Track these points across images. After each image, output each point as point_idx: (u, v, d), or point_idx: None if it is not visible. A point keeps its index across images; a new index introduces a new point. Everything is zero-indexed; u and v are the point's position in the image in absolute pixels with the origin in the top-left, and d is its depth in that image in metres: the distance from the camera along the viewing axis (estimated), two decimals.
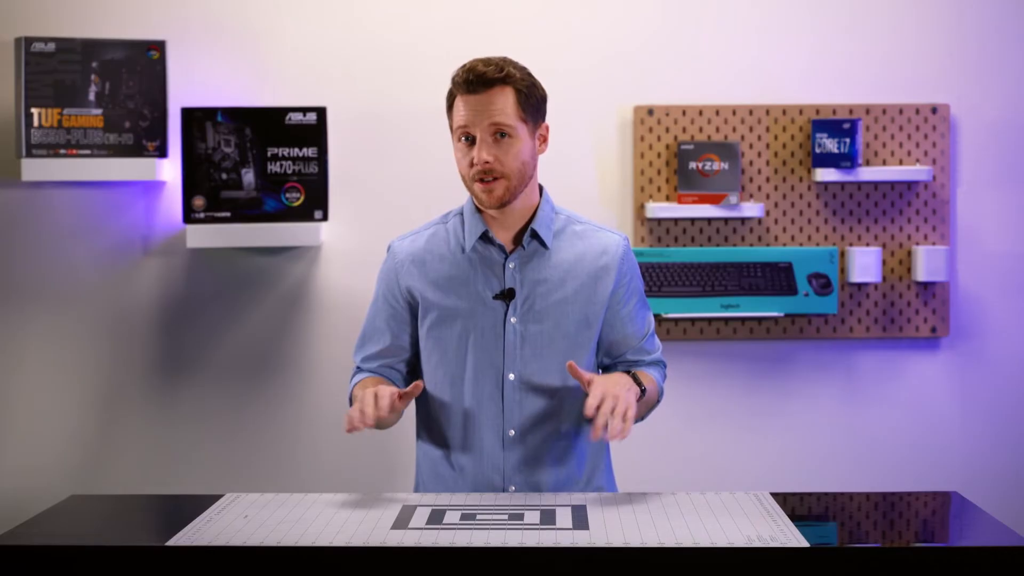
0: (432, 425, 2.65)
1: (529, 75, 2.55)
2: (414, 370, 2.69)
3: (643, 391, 2.54)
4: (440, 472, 2.64)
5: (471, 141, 2.51)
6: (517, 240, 2.60)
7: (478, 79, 2.49)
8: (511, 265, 2.59)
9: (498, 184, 2.51)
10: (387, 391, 2.45)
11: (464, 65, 2.52)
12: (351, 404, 2.64)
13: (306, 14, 3.64)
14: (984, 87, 3.69)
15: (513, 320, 2.57)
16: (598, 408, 2.39)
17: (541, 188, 2.63)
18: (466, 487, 2.59)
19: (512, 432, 2.58)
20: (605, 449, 2.70)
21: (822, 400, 3.72)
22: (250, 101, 3.60)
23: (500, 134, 2.50)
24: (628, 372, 2.59)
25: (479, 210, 2.60)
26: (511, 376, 2.57)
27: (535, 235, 2.59)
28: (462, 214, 2.64)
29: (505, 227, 2.60)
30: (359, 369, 2.71)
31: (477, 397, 2.58)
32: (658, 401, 2.68)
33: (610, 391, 2.42)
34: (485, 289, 2.59)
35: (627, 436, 2.40)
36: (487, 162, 2.49)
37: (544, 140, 2.60)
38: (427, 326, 2.62)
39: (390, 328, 2.65)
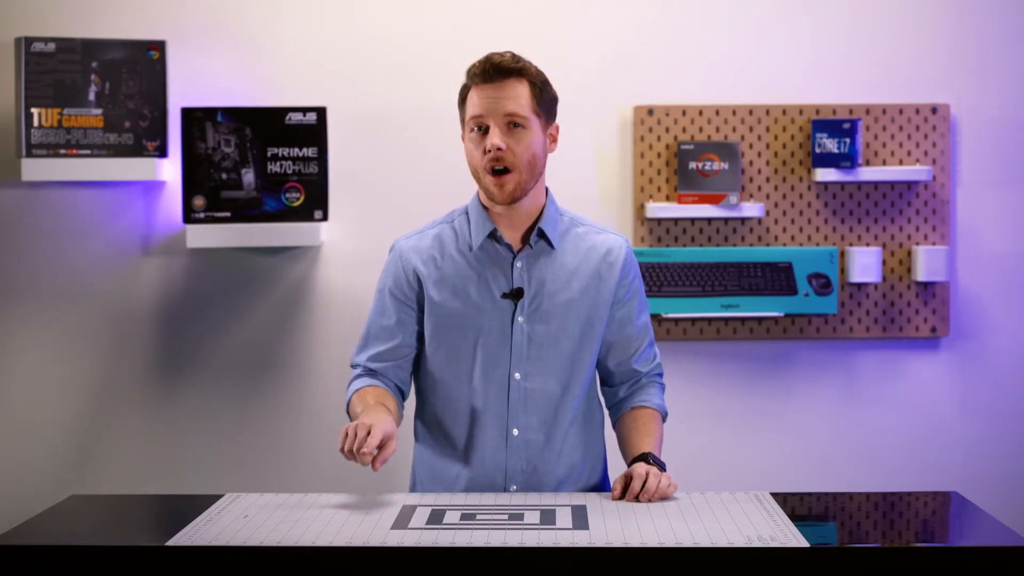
0: (434, 424, 2.64)
1: (543, 73, 2.58)
2: (416, 369, 2.68)
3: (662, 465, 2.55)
4: (439, 472, 2.63)
5: (484, 131, 2.52)
6: (524, 239, 2.60)
7: (495, 68, 2.51)
8: (519, 264, 2.59)
9: (509, 178, 2.51)
10: (379, 431, 2.40)
11: (480, 58, 2.55)
12: (348, 411, 2.64)
13: (306, 14, 3.64)
14: (984, 87, 3.69)
15: (520, 319, 2.57)
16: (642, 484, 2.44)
17: (547, 190, 2.64)
18: (466, 487, 2.59)
19: (516, 431, 2.58)
20: (602, 448, 2.70)
21: (822, 400, 3.72)
22: (250, 101, 3.60)
23: (514, 124, 2.51)
24: (642, 459, 2.55)
25: (486, 208, 2.60)
26: (517, 375, 2.58)
27: (542, 234, 2.59)
28: (467, 213, 2.64)
29: (512, 226, 2.60)
30: (360, 371, 2.67)
31: (483, 396, 2.58)
32: (663, 420, 2.69)
33: (652, 471, 2.45)
34: (493, 288, 2.58)
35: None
36: (499, 149, 2.49)
37: (554, 140, 2.61)
38: (433, 325, 2.61)
39: (400, 323, 2.62)
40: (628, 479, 2.45)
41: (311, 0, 3.64)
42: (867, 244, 3.67)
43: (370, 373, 2.66)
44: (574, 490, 2.61)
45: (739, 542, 2.13)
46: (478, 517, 2.31)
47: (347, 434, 2.40)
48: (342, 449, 2.39)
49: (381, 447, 2.41)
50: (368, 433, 2.38)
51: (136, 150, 3.52)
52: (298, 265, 3.67)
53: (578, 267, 2.61)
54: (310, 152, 3.53)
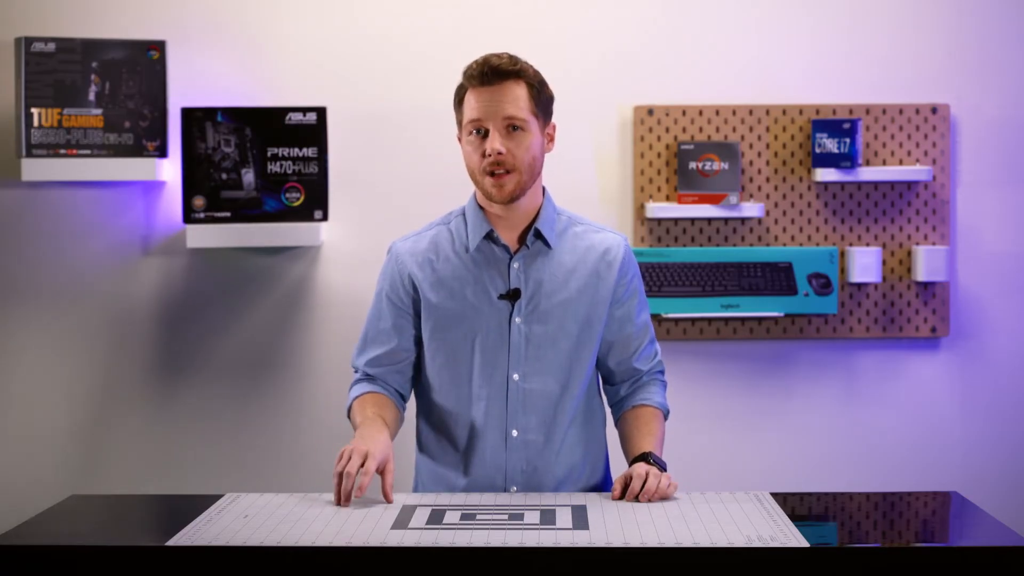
0: (434, 427, 2.64)
1: (539, 73, 2.57)
2: (417, 371, 2.69)
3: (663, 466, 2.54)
4: (440, 474, 2.63)
5: (483, 134, 2.51)
6: (521, 240, 2.60)
7: (493, 71, 2.50)
8: (516, 265, 2.58)
9: (509, 178, 2.51)
10: (374, 461, 2.41)
11: (476, 60, 2.53)
12: (348, 416, 2.64)
13: (306, 14, 3.64)
14: (984, 87, 3.69)
15: (518, 320, 2.57)
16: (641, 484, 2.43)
17: (544, 189, 2.63)
18: (467, 488, 2.59)
19: (515, 432, 2.58)
20: (604, 448, 2.70)
21: (822, 400, 3.72)
22: (250, 101, 3.60)
23: (513, 127, 2.50)
24: (643, 458, 2.54)
25: (483, 209, 2.60)
26: (515, 376, 2.57)
27: (539, 235, 2.59)
28: (464, 215, 2.64)
29: (509, 227, 2.59)
30: (360, 375, 2.68)
31: (482, 397, 2.58)
32: (664, 418, 2.69)
33: (652, 471, 2.45)
34: (490, 289, 2.58)
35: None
36: (500, 153, 2.49)
37: (551, 139, 2.61)
38: (431, 327, 2.61)
39: (396, 327, 2.63)
40: (628, 479, 2.45)
41: (311, 0, 3.64)
42: (867, 244, 3.67)
43: (369, 379, 2.66)
44: (575, 490, 2.61)
45: (739, 542, 2.13)
46: (478, 517, 2.31)
47: (342, 457, 2.42)
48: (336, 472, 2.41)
49: (383, 472, 2.44)
50: (363, 462, 2.40)
51: (136, 150, 3.52)
52: (298, 265, 3.67)
53: (576, 266, 2.60)
54: (310, 152, 3.53)
